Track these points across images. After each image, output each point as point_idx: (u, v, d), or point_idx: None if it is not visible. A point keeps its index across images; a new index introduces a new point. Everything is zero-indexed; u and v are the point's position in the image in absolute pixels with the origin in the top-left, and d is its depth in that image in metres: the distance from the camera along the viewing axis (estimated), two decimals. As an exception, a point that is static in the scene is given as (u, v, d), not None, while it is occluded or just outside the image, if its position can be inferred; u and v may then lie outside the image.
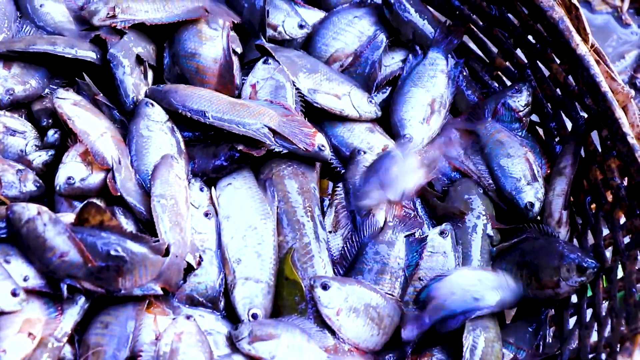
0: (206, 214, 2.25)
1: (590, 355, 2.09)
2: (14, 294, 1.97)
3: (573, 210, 2.36)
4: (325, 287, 2.15)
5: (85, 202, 2.07)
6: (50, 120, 2.33)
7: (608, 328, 2.09)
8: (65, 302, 2.03)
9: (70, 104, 2.25)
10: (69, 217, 2.06)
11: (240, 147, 2.27)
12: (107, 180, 2.18)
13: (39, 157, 2.27)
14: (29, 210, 2.03)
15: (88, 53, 2.39)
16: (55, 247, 2.00)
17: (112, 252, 1.99)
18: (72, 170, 2.18)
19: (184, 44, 2.45)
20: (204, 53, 2.43)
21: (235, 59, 2.46)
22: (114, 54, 2.37)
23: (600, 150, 2.29)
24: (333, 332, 2.16)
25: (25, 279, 2.01)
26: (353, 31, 2.59)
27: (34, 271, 2.03)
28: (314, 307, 2.17)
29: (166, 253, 2.04)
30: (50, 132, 2.31)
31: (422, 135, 2.45)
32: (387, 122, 2.51)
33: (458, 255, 2.29)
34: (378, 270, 2.24)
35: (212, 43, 2.44)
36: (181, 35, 2.46)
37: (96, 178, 2.19)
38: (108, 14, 2.42)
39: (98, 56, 2.41)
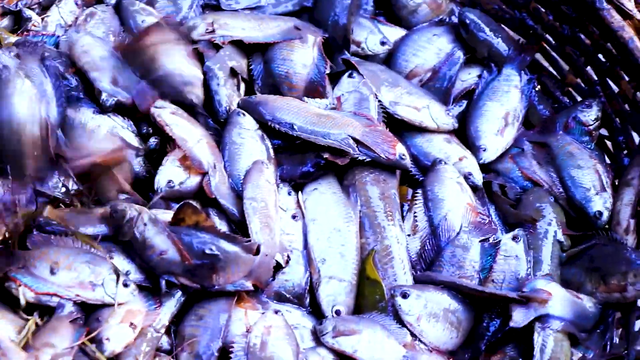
0: (294, 217, 2.26)
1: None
2: (125, 285, 2.01)
3: None
4: (405, 295, 2.15)
5: (182, 202, 2.10)
6: (150, 129, 2.33)
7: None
8: (163, 296, 2.06)
9: (168, 113, 2.28)
10: (167, 216, 2.09)
11: (326, 156, 2.28)
12: (203, 184, 2.21)
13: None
14: (130, 210, 2.06)
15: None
16: (154, 246, 2.03)
17: (207, 251, 2.02)
18: (172, 174, 2.21)
19: (277, 51, 2.47)
20: (295, 59, 2.45)
21: (324, 66, 2.47)
22: (210, 66, 2.41)
23: (666, 161, 2.27)
24: (414, 335, 2.16)
25: (127, 274, 2.04)
26: (432, 48, 2.59)
27: (134, 267, 2.07)
28: (394, 308, 2.17)
29: (257, 252, 2.06)
30: (151, 139, 2.32)
31: (496, 146, 2.44)
32: (464, 133, 2.49)
33: (530, 259, 2.26)
34: (454, 272, 2.24)
35: (303, 51, 2.46)
36: (274, 44, 2.48)
37: (193, 181, 2.22)
38: (207, 29, 2.44)
39: (195, 68, 2.42)
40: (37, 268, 1.98)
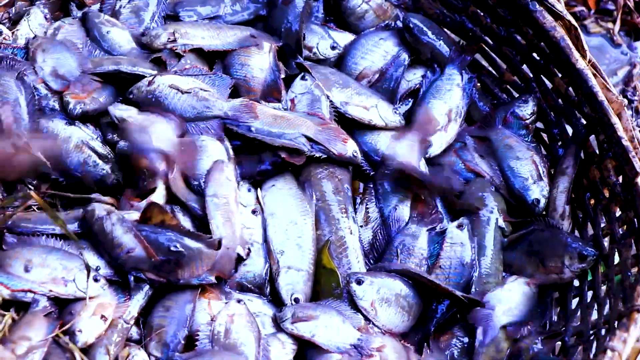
0: (253, 212, 2.27)
1: (591, 332, 2.10)
2: (96, 280, 2.01)
3: (574, 205, 2.37)
4: (359, 282, 2.17)
5: (148, 202, 2.11)
6: (115, 135, 2.34)
7: (607, 307, 2.10)
8: (132, 290, 2.07)
9: (128, 114, 2.29)
10: (134, 215, 2.09)
11: (283, 155, 2.30)
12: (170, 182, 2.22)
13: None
14: (100, 209, 2.07)
15: (149, 71, 2.40)
16: (123, 244, 2.04)
17: (172, 248, 2.03)
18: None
19: (235, 58, 2.48)
20: (252, 64, 2.46)
21: (279, 70, 2.49)
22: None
23: (597, 152, 2.31)
24: (368, 319, 2.18)
25: (96, 269, 2.05)
26: (379, 51, 2.59)
27: (104, 263, 2.08)
28: (349, 294, 2.19)
29: (218, 247, 2.07)
30: (120, 144, 2.31)
31: (440, 141, 2.46)
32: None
33: (474, 245, 2.29)
34: (403, 260, 2.26)
35: (259, 57, 2.47)
36: (232, 51, 2.50)
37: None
38: (169, 38, 2.45)
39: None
40: (12, 267, 1.98)
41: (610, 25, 3.23)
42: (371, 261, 2.30)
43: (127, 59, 2.45)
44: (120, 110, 2.29)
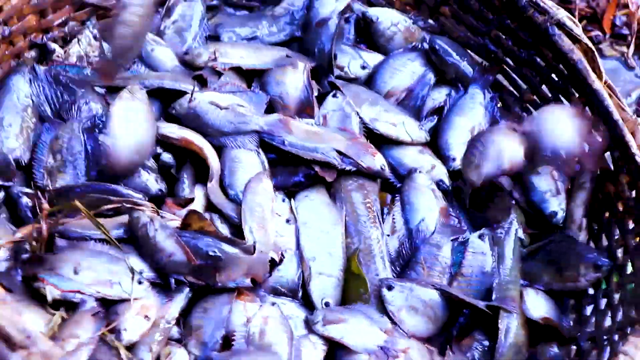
0: (287, 221, 2.28)
1: (604, 337, 2.11)
2: (140, 282, 2.03)
3: (590, 217, 2.36)
4: (390, 287, 2.19)
5: (188, 210, 2.13)
6: (160, 149, 2.37)
7: (620, 314, 2.10)
8: (173, 292, 2.08)
9: (176, 128, 2.32)
10: (175, 222, 2.11)
11: (317, 169, 2.32)
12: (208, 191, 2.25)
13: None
14: (144, 216, 2.09)
15: (190, 87, 2.41)
16: (164, 249, 2.06)
17: (211, 253, 2.04)
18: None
19: (271, 76, 2.50)
20: (287, 81, 2.47)
21: (312, 88, 2.50)
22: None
23: (612, 168, 2.30)
24: (394, 322, 2.18)
25: (140, 272, 2.06)
26: (406, 71, 2.61)
27: (147, 266, 2.09)
28: (378, 298, 2.20)
29: (253, 252, 2.08)
30: (164, 156, 2.36)
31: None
32: (435, 145, 2.52)
33: (494, 255, 2.29)
34: (428, 267, 2.26)
35: (294, 75, 2.48)
36: (269, 70, 2.52)
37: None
38: (210, 57, 2.47)
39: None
40: (62, 269, 1.99)
41: (624, 49, 3.22)
42: (397, 269, 2.29)
43: (170, 75, 2.48)
44: (163, 128, 2.32)
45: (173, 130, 2.32)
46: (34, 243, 2.03)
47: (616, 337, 2.05)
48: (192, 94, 2.34)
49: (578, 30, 2.34)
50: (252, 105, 2.38)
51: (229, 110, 2.34)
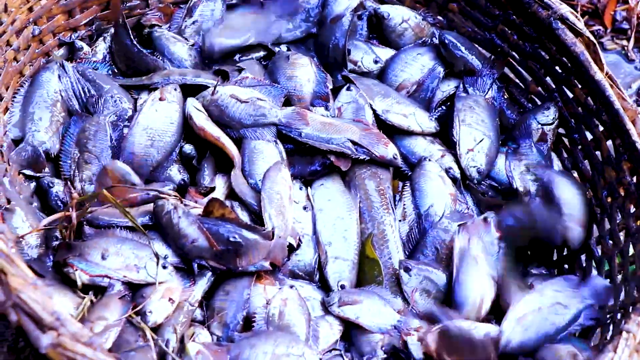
0: (304, 208, 2.27)
1: (608, 315, 2.08)
2: (164, 267, 2.03)
3: (593, 202, 2.33)
4: (407, 269, 2.18)
5: (210, 198, 2.11)
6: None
7: (622, 294, 2.07)
8: (196, 276, 2.07)
9: (203, 118, 2.30)
10: (197, 210, 2.10)
11: (332, 159, 2.30)
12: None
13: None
14: (167, 204, 2.07)
15: (211, 81, 2.41)
16: (188, 235, 2.05)
17: (231, 239, 2.03)
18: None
19: (280, 72, 2.48)
20: (299, 75, 2.46)
21: (326, 79, 2.49)
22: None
23: (614, 155, 2.27)
24: (408, 303, 2.17)
25: (165, 257, 2.05)
26: (417, 65, 2.58)
27: (171, 252, 2.08)
28: (396, 278, 2.20)
29: (272, 237, 2.07)
30: (186, 147, 2.34)
31: (473, 145, 2.45)
32: (445, 134, 2.50)
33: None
34: (436, 250, 2.25)
35: (303, 68, 2.47)
36: (279, 64, 2.51)
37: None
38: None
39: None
40: (90, 255, 1.99)
41: (625, 42, 3.20)
42: (407, 251, 2.28)
43: (192, 71, 2.46)
44: (195, 109, 2.31)
45: (199, 117, 2.30)
46: (63, 230, 2.02)
47: (619, 315, 2.03)
48: (214, 88, 2.32)
49: (580, 24, 2.32)
50: (270, 98, 2.35)
51: (248, 104, 2.32)
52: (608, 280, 2.18)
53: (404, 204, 2.35)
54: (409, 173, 2.42)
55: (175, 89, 2.35)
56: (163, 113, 2.31)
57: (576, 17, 2.33)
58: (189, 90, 2.39)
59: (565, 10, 2.33)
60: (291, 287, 2.10)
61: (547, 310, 2.10)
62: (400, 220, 2.32)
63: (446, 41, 2.57)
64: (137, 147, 2.27)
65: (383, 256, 2.23)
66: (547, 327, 2.08)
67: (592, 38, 2.30)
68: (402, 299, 2.18)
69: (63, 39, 2.45)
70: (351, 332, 2.11)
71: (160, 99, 2.31)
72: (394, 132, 2.45)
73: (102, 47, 2.50)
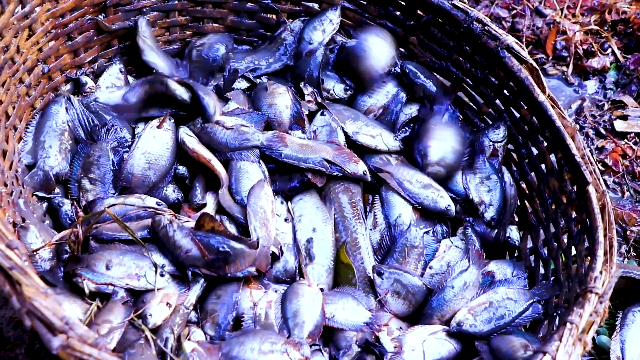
0: (285, 219, 2.27)
1: (554, 309, 2.11)
2: (162, 275, 2.04)
3: (540, 209, 2.35)
4: (379, 273, 2.20)
5: (201, 213, 2.11)
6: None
7: (565, 289, 2.09)
8: (190, 282, 2.07)
9: (195, 142, 2.32)
10: (190, 224, 2.10)
11: (309, 176, 2.32)
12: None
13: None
14: (163, 219, 2.08)
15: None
16: (182, 246, 2.05)
17: (221, 249, 2.04)
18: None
19: (262, 100, 2.50)
20: (278, 103, 2.47)
21: (301, 106, 2.50)
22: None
23: (557, 167, 2.28)
24: (380, 303, 2.20)
25: (162, 267, 2.06)
26: (382, 92, 2.59)
27: (168, 261, 2.08)
28: (362, 282, 2.21)
29: (257, 246, 2.07)
30: (180, 168, 2.36)
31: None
32: (408, 152, 2.51)
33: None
34: (405, 256, 2.25)
35: (282, 97, 2.48)
36: (260, 94, 2.52)
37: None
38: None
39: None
40: (96, 266, 1.99)
41: (564, 68, 3.22)
42: (379, 257, 2.29)
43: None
44: (187, 135, 2.32)
45: (192, 142, 2.32)
46: (72, 245, 2.02)
47: (563, 309, 2.04)
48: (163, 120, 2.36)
49: (524, 52, 2.33)
50: (252, 124, 2.36)
51: (233, 130, 2.32)
52: (553, 277, 2.19)
53: (375, 215, 2.36)
54: (378, 185, 2.42)
55: (169, 119, 2.36)
56: (160, 139, 2.32)
57: (521, 46, 2.34)
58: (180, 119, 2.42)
59: (511, 40, 2.35)
60: (275, 290, 2.11)
61: (497, 304, 2.14)
62: (371, 229, 2.33)
63: (407, 70, 2.57)
64: (136, 169, 2.28)
65: (356, 261, 2.24)
66: (497, 316, 2.12)
67: (535, 65, 2.31)
68: (374, 299, 2.19)
69: (69, 75, 2.45)
70: (331, 330, 2.10)
71: (158, 127, 2.32)
72: (363, 151, 2.46)
73: (104, 82, 2.49)
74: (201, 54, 2.57)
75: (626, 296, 2.47)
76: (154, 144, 2.31)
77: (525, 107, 2.39)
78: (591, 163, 2.15)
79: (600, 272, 1.91)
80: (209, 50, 2.57)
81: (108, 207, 2.04)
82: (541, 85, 2.30)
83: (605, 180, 2.85)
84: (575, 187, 2.19)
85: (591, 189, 2.09)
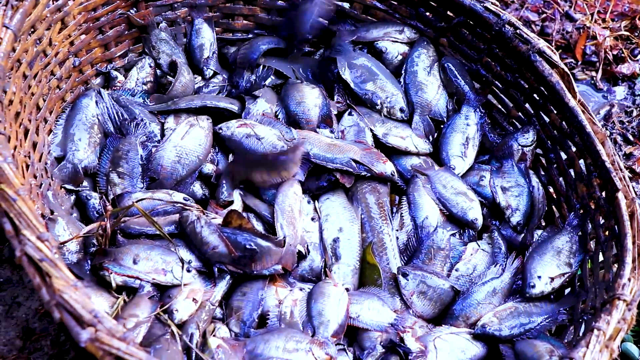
0: (312, 219, 2.27)
1: (580, 314, 2.09)
2: (188, 270, 2.04)
3: (567, 215, 2.33)
4: (405, 275, 2.19)
5: (229, 210, 2.12)
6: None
7: (592, 296, 2.08)
8: (216, 279, 2.08)
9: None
10: (218, 220, 2.10)
11: (338, 176, 2.32)
12: None
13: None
14: (191, 215, 2.08)
15: (230, 107, 2.46)
16: (209, 242, 2.05)
17: (248, 246, 2.04)
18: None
19: (290, 97, 2.49)
20: (307, 101, 2.46)
21: (329, 104, 2.49)
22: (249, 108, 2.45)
23: (585, 172, 2.27)
24: (406, 305, 2.18)
25: (189, 262, 2.06)
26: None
27: (195, 257, 2.08)
28: (395, 283, 2.21)
29: (283, 244, 2.07)
30: (208, 167, 2.35)
31: (462, 165, 2.47)
32: (437, 155, 2.51)
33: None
34: (431, 258, 2.24)
35: (311, 95, 2.48)
36: (290, 92, 2.50)
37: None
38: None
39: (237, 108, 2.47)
40: (123, 260, 2.00)
41: (594, 73, 3.20)
42: (405, 258, 2.27)
43: (212, 96, 2.48)
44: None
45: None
46: (100, 238, 2.02)
47: (590, 315, 2.03)
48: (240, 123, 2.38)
49: (555, 57, 2.32)
50: (282, 139, 2.36)
51: (264, 140, 2.33)
52: (579, 283, 2.19)
53: (401, 216, 2.35)
54: (405, 188, 2.41)
55: (207, 119, 2.38)
56: (194, 135, 2.33)
57: (552, 50, 2.33)
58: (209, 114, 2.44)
59: (542, 44, 2.34)
60: (301, 289, 2.11)
61: (523, 309, 2.14)
62: (397, 230, 2.32)
63: (445, 65, 2.57)
64: (166, 161, 2.28)
65: (382, 262, 2.23)
66: (522, 322, 2.11)
67: (566, 69, 2.30)
68: (400, 300, 2.18)
69: (100, 69, 2.46)
70: (355, 329, 2.10)
71: (192, 124, 2.33)
72: (392, 152, 2.45)
73: (134, 76, 2.50)
74: (244, 54, 2.59)
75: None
76: (187, 138, 2.32)
77: (555, 112, 2.37)
78: (621, 170, 2.14)
79: (629, 279, 1.90)
80: (249, 51, 2.59)
81: (136, 202, 2.04)
82: (572, 90, 2.29)
83: (633, 187, 2.82)
84: (604, 193, 2.17)
85: (620, 195, 2.08)
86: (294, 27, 2.54)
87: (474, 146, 2.50)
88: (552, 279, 2.16)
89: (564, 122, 2.34)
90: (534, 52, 2.34)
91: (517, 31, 2.38)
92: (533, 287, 2.15)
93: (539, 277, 2.16)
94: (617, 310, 1.83)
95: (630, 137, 3.02)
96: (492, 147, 2.53)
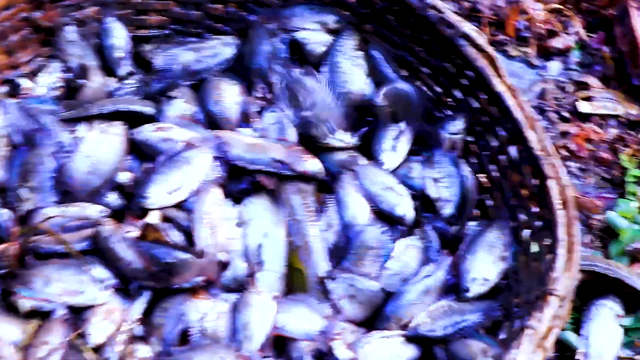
0: (235, 225, 2.19)
1: (515, 309, 2.06)
2: (104, 289, 1.98)
3: (500, 204, 2.29)
4: (332, 279, 2.13)
5: (144, 224, 2.06)
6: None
7: (525, 289, 2.04)
8: (134, 296, 2.01)
9: None
10: (134, 234, 2.04)
11: (259, 178, 2.25)
12: None
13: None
14: (105, 230, 2.01)
15: (145, 109, 2.37)
16: (124, 258, 1.99)
17: (165, 260, 1.99)
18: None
19: (208, 95, 2.41)
20: (226, 99, 2.38)
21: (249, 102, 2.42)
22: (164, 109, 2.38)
23: (518, 159, 2.22)
24: (336, 310, 2.12)
25: (104, 280, 2.00)
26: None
27: (110, 274, 2.01)
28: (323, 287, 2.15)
29: (202, 255, 2.02)
30: (122, 175, 2.26)
31: (393, 159, 2.39)
32: (367, 149, 2.43)
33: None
34: (360, 258, 2.18)
35: (230, 92, 2.40)
36: (207, 90, 2.42)
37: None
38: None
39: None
40: (33, 282, 1.92)
41: (527, 49, 3.15)
42: (333, 260, 2.21)
43: (126, 99, 2.39)
44: None
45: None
46: (7, 261, 1.95)
47: (524, 310, 1.97)
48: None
49: (482, 40, 2.28)
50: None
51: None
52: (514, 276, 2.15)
53: (329, 215, 2.28)
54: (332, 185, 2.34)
55: (122, 124, 2.29)
56: (106, 142, 2.25)
57: (479, 33, 2.29)
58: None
59: (468, 28, 2.29)
60: (225, 300, 2.05)
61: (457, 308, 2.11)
62: (325, 230, 2.25)
63: (371, 54, 2.50)
64: (78, 172, 2.20)
65: (309, 266, 2.17)
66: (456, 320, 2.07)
67: (493, 53, 2.26)
68: (329, 305, 2.12)
69: (6, 76, 2.37)
70: (284, 340, 2.04)
71: (104, 131, 2.25)
72: (318, 149, 2.36)
73: (43, 82, 2.40)
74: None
75: (590, 289, 2.41)
76: (99, 146, 2.24)
77: (485, 97, 2.32)
78: (552, 155, 2.10)
79: (561, 273, 1.87)
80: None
81: (46, 219, 1.97)
82: (500, 74, 2.24)
83: (568, 167, 2.79)
84: (537, 181, 2.13)
85: (551, 183, 2.04)
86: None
87: (406, 139, 2.42)
88: (487, 279, 2.12)
89: (493, 108, 2.29)
90: (460, 37, 2.29)
91: (442, 15, 2.32)
92: (467, 290, 2.11)
93: (473, 279, 2.12)
94: (549, 306, 1.80)
95: (567, 115, 2.98)
96: (422, 135, 2.45)
